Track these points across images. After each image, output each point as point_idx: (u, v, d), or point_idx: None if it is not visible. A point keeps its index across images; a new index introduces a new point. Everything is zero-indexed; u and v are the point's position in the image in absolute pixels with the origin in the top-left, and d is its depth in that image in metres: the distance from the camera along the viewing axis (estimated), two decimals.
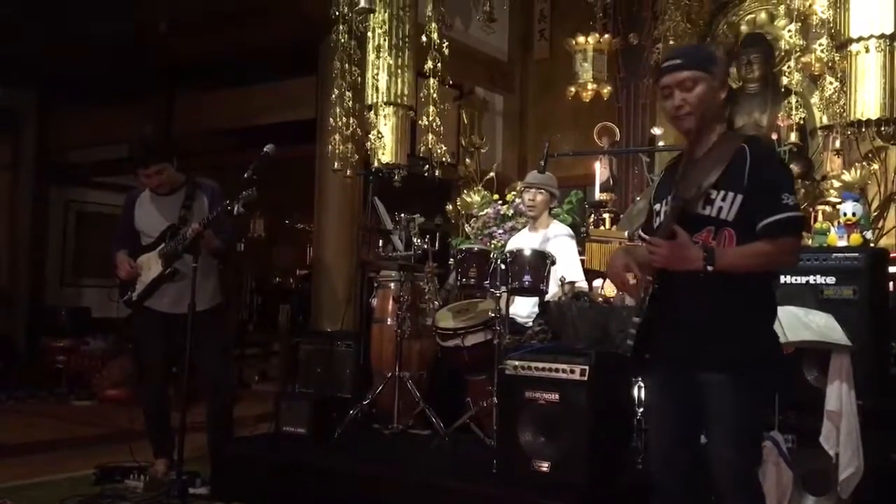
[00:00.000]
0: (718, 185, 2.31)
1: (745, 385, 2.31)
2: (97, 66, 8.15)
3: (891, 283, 3.91)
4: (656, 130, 6.26)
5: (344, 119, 5.66)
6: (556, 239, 4.69)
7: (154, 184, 4.22)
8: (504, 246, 5.11)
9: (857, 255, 3.49)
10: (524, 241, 4.67)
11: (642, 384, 3.74)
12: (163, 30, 7.01)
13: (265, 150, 3.82)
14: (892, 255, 4.26)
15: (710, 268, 2.24)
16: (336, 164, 5.69)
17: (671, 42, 6.17)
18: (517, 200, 5.51)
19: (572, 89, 6.76)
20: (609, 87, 6.85)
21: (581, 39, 6.68)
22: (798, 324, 3.22)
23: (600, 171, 5.50)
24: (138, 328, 4.42)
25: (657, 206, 2.53)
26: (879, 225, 4.54)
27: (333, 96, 5.70)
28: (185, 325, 3.80)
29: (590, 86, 6.69)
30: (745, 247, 2.30)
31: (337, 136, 5.66)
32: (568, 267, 4.47)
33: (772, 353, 2.42)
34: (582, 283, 4.58)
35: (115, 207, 6.12)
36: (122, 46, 7.52)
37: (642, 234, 2.68)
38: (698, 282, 2.28)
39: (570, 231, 4.88)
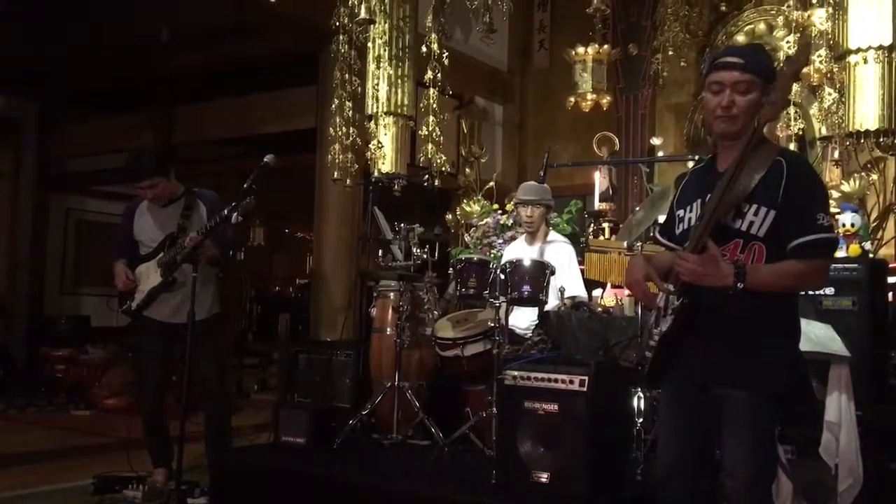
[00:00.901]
0: (751, 199, 2.24)
1: (764, 402, 2.30)
2: (98, 77, 8.19)
3: (890, 294, 3.91)
4: (655, 140, 6.28)
5: (344, 129, 5.67)
6: (555, 247, 4.70)
7: (149, 196, 4.23)
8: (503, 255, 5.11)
9: (856, 265, 3.50)
10: (522, 252, 4.67)
11: (641, 395, 3.74)
12: (164, 42, 7.04)
13: (265, 160, 3.82)
14: (891, 265, 4.27)
15: (740, 285, 2.18)
16: (336, 173, 5.70)
17: (670, 53, 6.20)
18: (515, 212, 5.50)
19: (572, 99, 6.78)
20: (608, 98, 6.87)
21: (580, 50, 6.71)
22: None
23: (600, 180, 5.50)
24: (137, 337, 4.41)
25: (680, 213, 2.48)
26: (878, 235, 4.55)
27: (333, 106, 5.71)
28: (184, 335, 3.80)
29: (589, 96, 6.72)
30: (777, 266, 2.24)
31: (337, 146, 5.67)
32: (568, 276, 4.47)
33: (794, 371, 2.40)
34: (582, 294, 4.58)
35: (114, 216, 6.13)
36: (123, 58, 7.55)
37: (661, 237, 2.64)
38: (723, 297, 2.23)
39: (566, 239, 4.90)
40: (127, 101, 8.70)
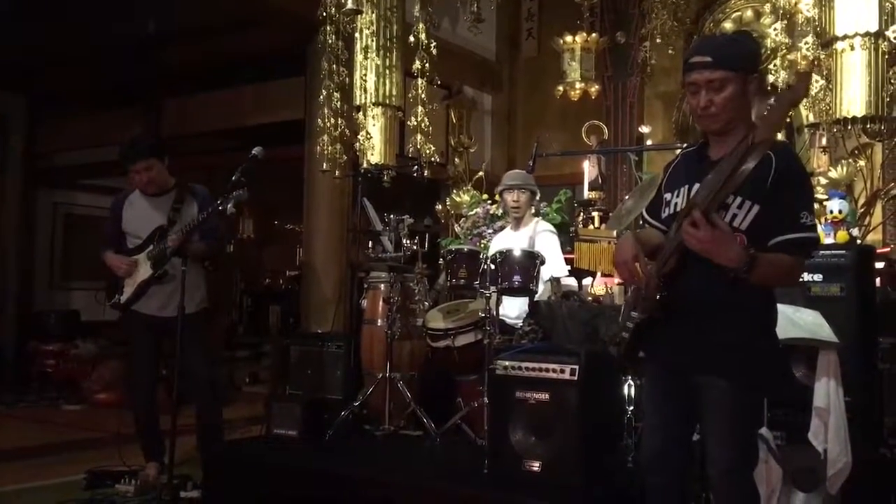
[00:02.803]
0: (737, 192, 2.21)
1: (744, 389, 2.32)
2: (86, 72, 8.13)
3: (878, 280, 3.93)
4: (644, 129, 6.28)
5: (332, 120, 5.65)
6: (541, 235, 4.72)
7: (143, 181, 4.21)
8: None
9: (843, 252, 3.51)
10: (510, 241, 4.68)
11: (632, 383, 3.75)
12: (151, 35, 7.00)
13: (253, 152, 3.82)
14: (878, 251, 4.30)
15: (744, 275, 2.16)
16: (325, 164, 5.68)
17: (658, 40, 6.20)
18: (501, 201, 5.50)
19: (560, 88, 6.77)
20: (597, 86, 6.87)
21: (569, 38, 6.71)
22: (786, 321, 3.23)
23: (589, 169, 5.50)
24: (127, 331, 4.40)
25: (668, 196, 2.47)
26: (866, 222, 4.56)
27: (321, 97, 5.68)
28: (173, 329, 3.80)
29: (578, 84, 6.72)
30: (774, 259, 2.22)
31: (325, 137, 5.65)
32: (552, 261, 4.48)
33: (773, 358, 2.42)
34: (568, 280, 4.59)
35: (103, 210, 6.10)
36: (111, 52, 7.51)
37: (647, 216, 2.63)
38: (704, 286, 2.25)
39: (551, 227, 4.92)
40: (115, 95, 8.64)
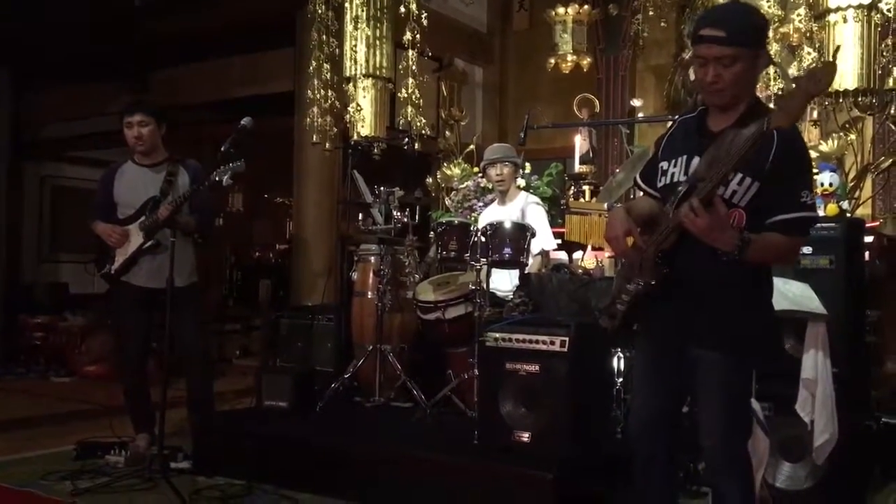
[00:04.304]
0: (736, 168, 2.18)
1: (738, 361, 2.33)
2: (72, 42, 8.01)
3: (867, 253, 3.95)
4: (636, 102, 6.26)
5: (322, 91, 5.61)
6: (530, 208, 4.72)
7: (134, 135, 4.17)
8: None
9: (833, 225, 3.52)
10: (498, 215, 4.67)
11: (621, 355, 3.77)
12: (138, 6, 6.90)
13: (242, 122, 3.79)
14: (868, 225, 4.31)
15: (737, 255, 2.18)
16: (314, 137, 5.65)
17: (650, 13, 6.15)
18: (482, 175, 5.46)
19: (552, 61, 6.73)
20: (589, 59, 6.83)
21: (560, 10, 6.65)
22: (776, 293, 3.23)
23: (580, 143, 5.49)
24: (116, 303, 4.38)
25: (664, 164, 2.44)
26: (856, 195, 4.57)
27: (311, 68, 5.64)
28: (163, 301, 3.79)
29: (569, 57, 6.68)
30: (767, 241, 2.23)
31: (315, 109, 5.61)
32: (541, 234, 4.49)
33: (768, 332, 2.43)
34: (557, 253, 4.60)
35: (91, 182, 6.04)
36: (97, 22, 7.40)
37: (641, 182, 2.61)
38: (701, 261, 2.25)
39: (539, 200, 4.92)
40: (102, 67, 8.53)
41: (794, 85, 2.14)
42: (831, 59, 3.53)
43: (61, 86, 9.12)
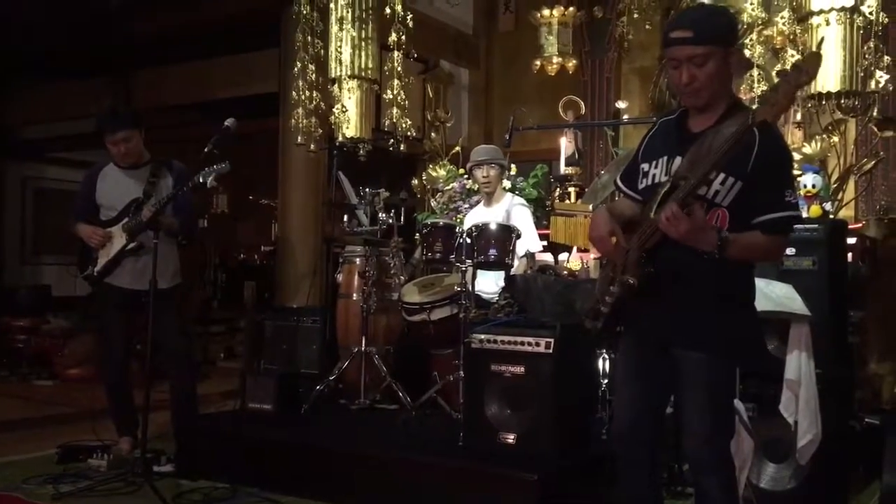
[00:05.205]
0: (720, 166, 2.19)
1: (721, 361, 2.34)
2: (51, 42, 7.96)
3: (849, 254, 3.97)
4: (621, 104, 6.28)
5: (307, 92, 5.58)
6: (515, 209, 4.72)
7: (121, 151, 4.15)
8: None
9: (816, 226, 3.54)
10: (484, 217, 4.67)
11: (606, 356, 3.78)
12: (120, 5, 6.86)
13: (226, 123, 3.77)
14: (850, 226, 4.34)
15: (716, 255, 2.20)
16: (299, 138, 5.62)
17: (635, 16, 6.16)
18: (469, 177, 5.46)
19: (537, 63, 6.74)
20: (574, 61, 6.84)
21: (546, 12, 6.66)
22: (759, 294, 3.23)
23: (565, 144, 5.49)
24: (99, 305, 4.35)
25: (645, 166, 2.44)
26: (839, 197, 4.59)
27: (296, 69, 5.61)
28: (146, 303, 3.76)
29: (555, 59, 6.69)
30: (748, 240, 2.25)
31: (300, 110, 5.58)
32: (526, 236, 4.49)
33: (750, 332, 2.44)
34: (543, 254, 4.60)
35: (73, 183, 6.01)
36: (78, 22, 7.34)
37: (622, 184, 2.61)
38: (684, 261, 2.25)
39: (524, 202, 4.93)
40: (83, 67, 8.48)
41: (778, 79, 2.13)
42: (816, 50, 3.55)
43: (43, 87, 9.06)
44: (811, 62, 2.12)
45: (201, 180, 3.70)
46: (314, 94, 5.60)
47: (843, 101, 4.17)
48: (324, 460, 3.68)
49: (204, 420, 4.40)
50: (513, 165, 5.66)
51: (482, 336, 3.54)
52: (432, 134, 7.45)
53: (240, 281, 8.66)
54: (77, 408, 5.48)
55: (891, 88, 4.17)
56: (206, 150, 3.69)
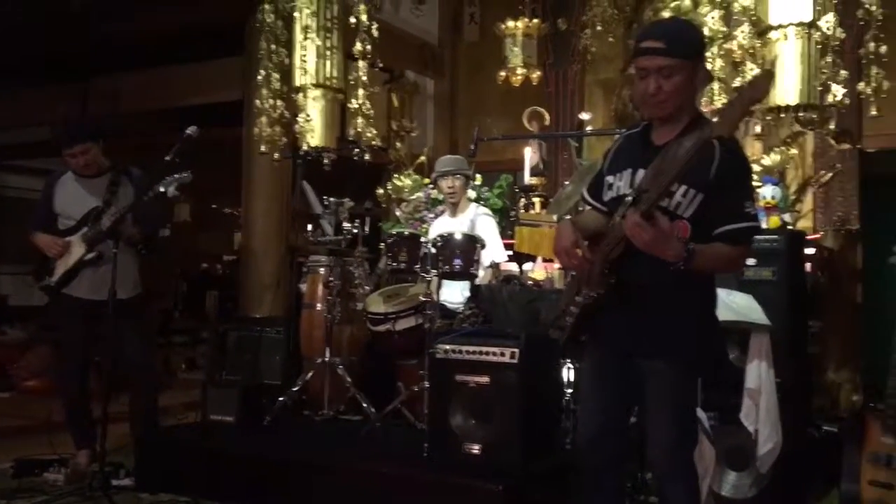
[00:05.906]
0: (680, 178, 2.21)
1: (684, 371, 2.37)
2: (11, 48, 7.81)
3: (808, 265, 4.04)
4: (585, 115, 6.33)
5: (271, 101, 5.54)
6: (480, 219, 4.73)
7: (80, 164, 4.09)
8: None
9: (776, 237, 3.60)
10: (449, 227, 4.67)
11: (571, 366, 3.79)
12: (80, 10, 6.75)
13: (188, 131, 3.73)
14: (809, 237, 4.42)
15: (682, 266, 2.21)
16: (263, 146, 5.58)
17: (598, 28, 6.22)
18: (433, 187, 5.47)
19: (502, 73, 6.77)
20: (538, 72, 6.88)
21: (510, 24, 6.69)
22: (720, 304, 3.29)
23: (530, 155, 5.53)
24: (57, 316, 4.27)
25: (610, 178, 2.46)
26: (797, 208, 4.68)
27: (260, 78, 5.58)
28: (105, 313, 3.71)
29: (519, 70, 6.71)
30: (712, 251, 2.27)
31: (264, 119, 5.55)
32: (491, 246, 4.50)
33: (713, 342, 2.48)
34: (508, 264, 4.62)
35: (32, 192, 5.90)
36: (35, 27, 7.21)
37: (588, 197, 2.63)
38: (648, 271, 2.26)
39: (489, 212, 4.95)
40: (40, 74, 8.33)
41: (734, 97, 2.18)
42: (769, 69, 3.62)
43: (1, 93, 8.88)
44: (763, 80, 2.18)
45: (162, 189, 3.66)
46: (278, 103, 5.57)
47: (801, 114, 4.25)
48: (286, 472, 3.64)
49: (164, 432, 4.34)
50: (478, 175, 5.67)
51: (447, 346, 3.53)
52: (397, 143, 7.45)
53: (202, 291, 8.57)
54: (33, 420, 5.36)
55: (847, 102, 4.25)
56: (167, 158, 3.65)
